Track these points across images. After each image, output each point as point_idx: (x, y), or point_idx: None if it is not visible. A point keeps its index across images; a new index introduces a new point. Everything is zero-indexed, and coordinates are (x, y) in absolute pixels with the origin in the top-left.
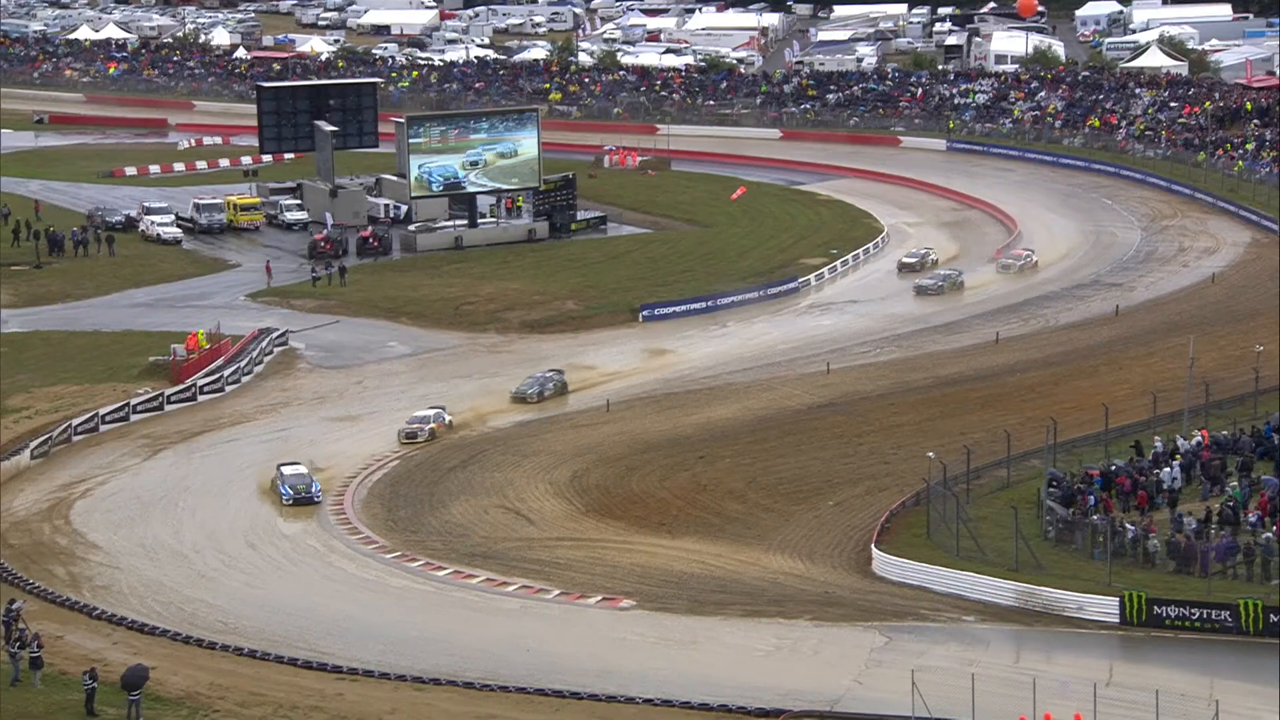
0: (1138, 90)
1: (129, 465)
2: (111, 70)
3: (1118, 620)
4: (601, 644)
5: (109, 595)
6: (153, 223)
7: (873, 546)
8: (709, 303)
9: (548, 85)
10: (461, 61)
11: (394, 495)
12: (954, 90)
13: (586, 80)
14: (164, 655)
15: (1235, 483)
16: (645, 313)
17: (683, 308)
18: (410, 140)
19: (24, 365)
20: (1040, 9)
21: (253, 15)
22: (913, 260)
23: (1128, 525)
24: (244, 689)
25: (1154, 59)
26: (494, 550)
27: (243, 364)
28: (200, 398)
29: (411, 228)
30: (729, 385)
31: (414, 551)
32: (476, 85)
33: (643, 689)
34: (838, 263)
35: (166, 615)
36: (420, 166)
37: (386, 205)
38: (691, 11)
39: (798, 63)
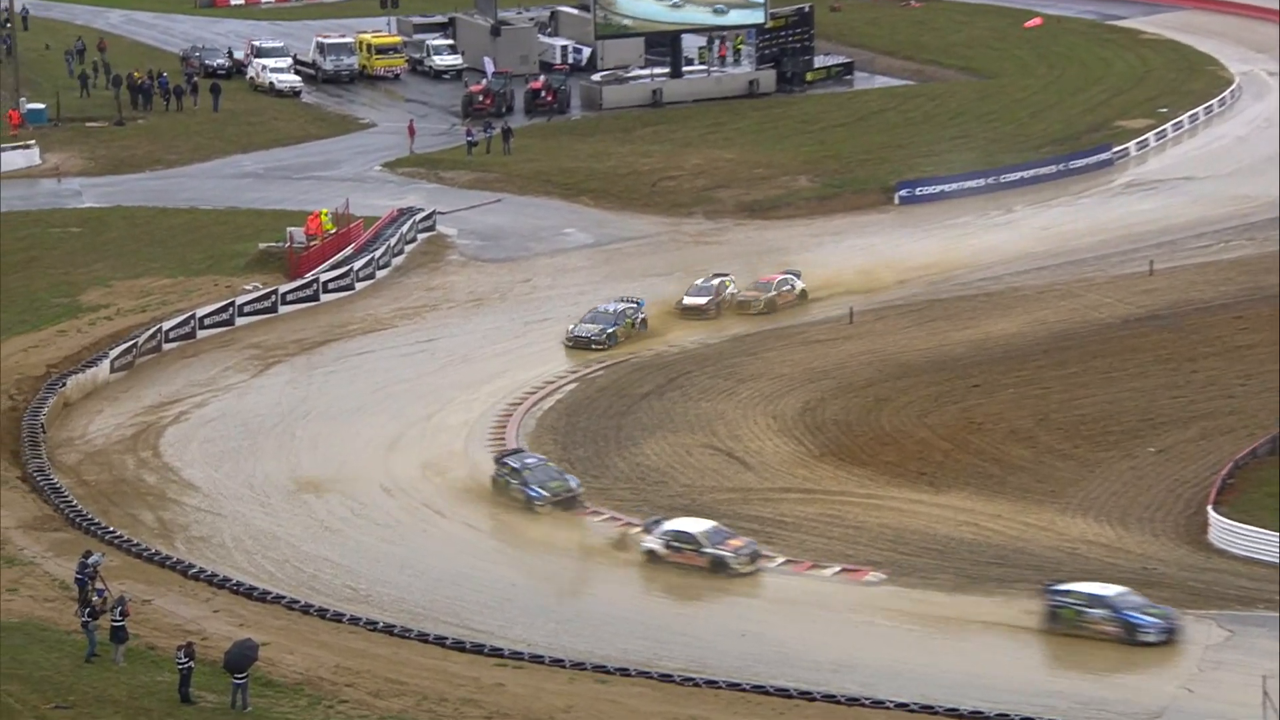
0: None
1: (234, 383)
2: None
3: None
4: (840, 629)
5: (208, 549)
6: (264, 68)
7: (1209, 509)
8: (989, 179)
9: None
10: None
11: (570, 429)
12: None
13: None
14: (278, 629)
15: None
16: (903, 192)
17: (954, 186)
18: None
19: (102, 251)
20: None
21: None
22: None
23: None
24: (378, 674)
25: None
26: (699, 503)
27: (378, 254)
28: (324, 297)
29: (596, 78)
30: (1014, 290)
31: (595, 502)
32: None
33: (893, 689)
34: (1167, 125)
35: (281, 577)
36: None
37: (564, 48)
38: None
39: None
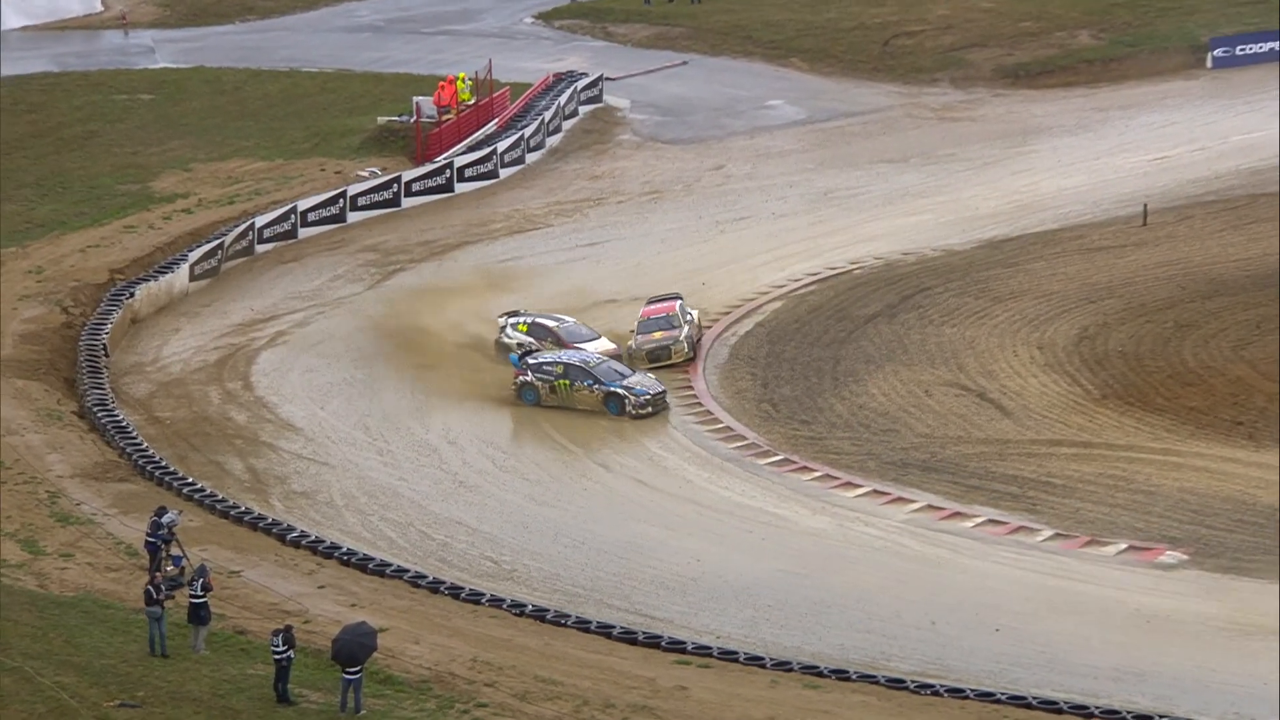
0: None
1: (345, 295)
2: None
3: None
4: (1129, 623)
5: (313, 507)
6: None
7: None
8: None
9: None
10: None
11: (773, 360)
12: None
13: None
14: (399, 611)
15: None
16: (1219, 51)
17: None
18: None
19: (180, 125)
20: None
21: None
22: None
23: None
24: (526, 670)
25: None
26: (942, 458)
27: (528, 132)
28: (459, 186)
29: None
30: None
31: (805, 455)
32: None
33: (1198, 705)
34: None
35: (404, 544)
36: None
37: None
38: None
39: None
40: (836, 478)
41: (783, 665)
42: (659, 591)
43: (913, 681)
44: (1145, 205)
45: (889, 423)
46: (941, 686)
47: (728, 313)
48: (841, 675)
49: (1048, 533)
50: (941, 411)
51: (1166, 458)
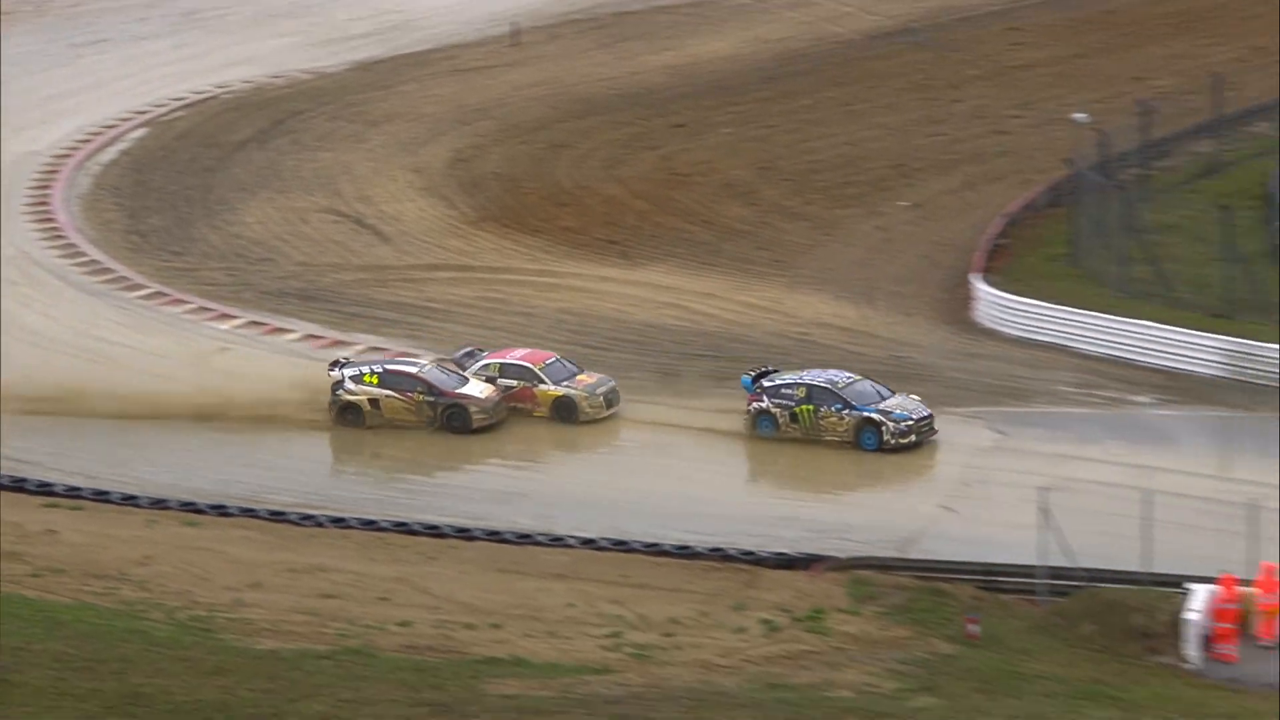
0: None
1: None
2: None
3: None
4: (504, 446)
5: None
6: None
7: (976, 278)
8: None
9: None
10: None
11: (140, 190)
12: None
13: None
14: None
15: None
16: None
17: None
18: None
19: None
20: None
21: None
22: None
23: None
24: None
25: None
26: (321, 286)
27: None
28: None
29: None
30: None
31: (177, 287)
32: None
33: (577, 522)
34: None
35: None
36: None
37: None
38: None
39: None
40: (212, 309)
41: (160, 504)
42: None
43: (295, 513)
44: (515, 24)
45: (265, 252)
46: (324, 517)
47: (88, 140)
48: (222, 511)
49: (429, 357)
50: (319, 239)
51: (543, 278)
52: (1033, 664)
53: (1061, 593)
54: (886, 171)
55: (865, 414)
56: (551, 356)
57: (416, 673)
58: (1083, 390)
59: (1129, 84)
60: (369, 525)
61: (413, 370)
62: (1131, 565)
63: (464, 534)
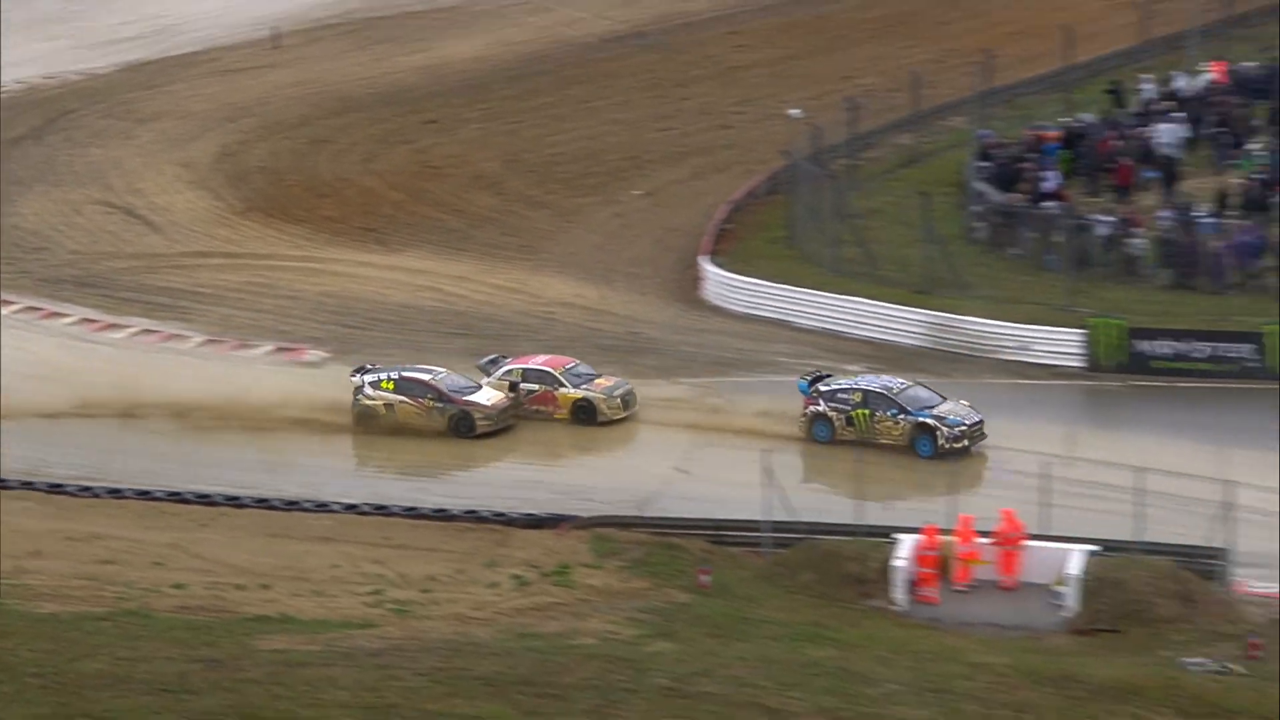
0: None
1: None
2: None
3: (1083, 364)
4: (265, 420)
5: None
6: None
7: (704, 260)
8: None
9: None
10: None
11: None
12: None
13: None
14: None
15: (1263, 144)
16: None
17: None
18: None
19: None
20: None
21: None
22: None
23: (1099, 217)
24: None
25: None
26: (95, 273)
27: None
28: None
29: None
30: (473, 4)
31: None
32: None
33: (341, 490)
34: None
35: None
36: None
37: None
38: None
39: None
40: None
41: None
42: None
43: (73, 485)
44: (276, 28)
45: (41, 241)
46: (101, 488)
47: None
48: (1, 485)
49: (199, 338)
50: (92, 229)
51: (306, 264)
52: (759, 610)
53: (784, 544)
54: (622, 163)
55: (920, 419)
56: (571, 361)
57: (190, 631)
58: (799, 360)
59: (838, 83)
60: (144, 495)
61: (427, 378)
62: (846, 518)
63: (234, 502)
